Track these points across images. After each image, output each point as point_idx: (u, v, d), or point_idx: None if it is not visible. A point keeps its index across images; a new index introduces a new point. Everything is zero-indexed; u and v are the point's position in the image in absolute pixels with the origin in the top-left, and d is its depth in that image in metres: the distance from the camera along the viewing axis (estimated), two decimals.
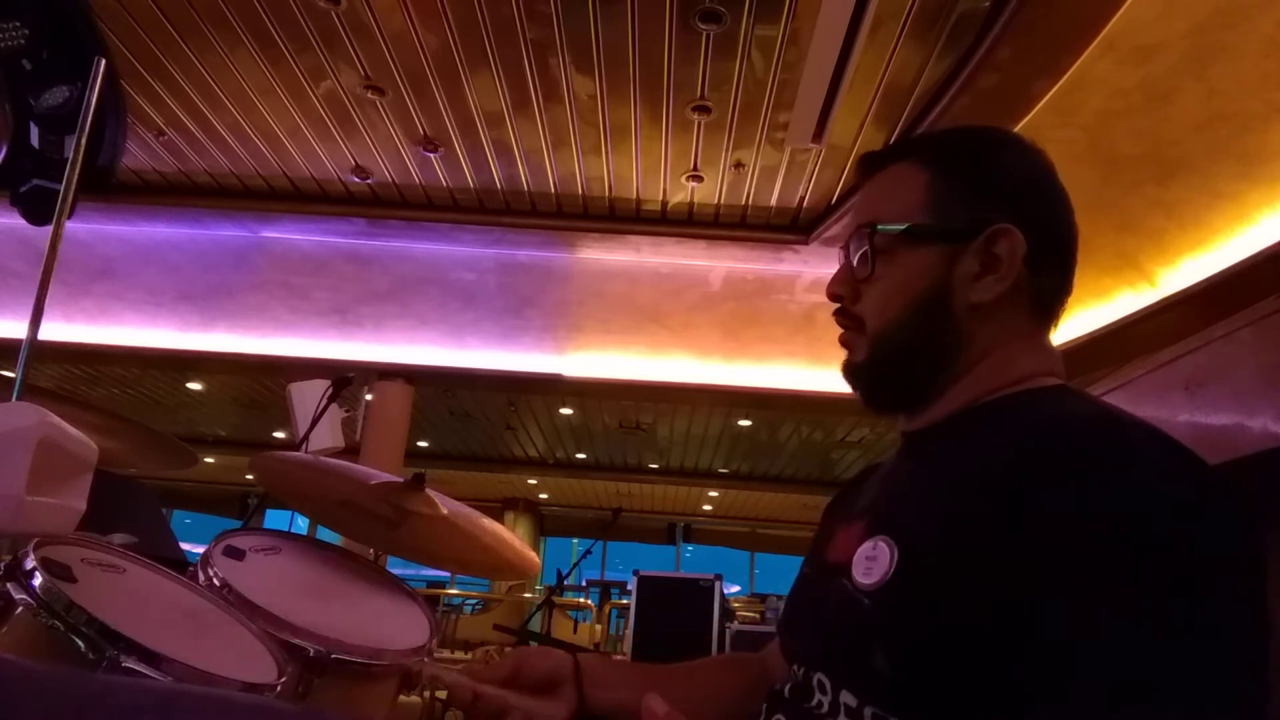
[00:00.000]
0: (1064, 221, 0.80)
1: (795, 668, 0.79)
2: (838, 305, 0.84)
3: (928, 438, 0.80)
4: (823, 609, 0.76)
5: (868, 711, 0.67)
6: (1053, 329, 0.81)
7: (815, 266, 5.58)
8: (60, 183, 1.42)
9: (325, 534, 2.04)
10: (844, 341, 0.84)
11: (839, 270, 0.85)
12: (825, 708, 0.71)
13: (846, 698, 0.69)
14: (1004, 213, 0.76)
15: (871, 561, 0.70)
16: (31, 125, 2.58)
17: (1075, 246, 0.81)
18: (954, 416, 0.78)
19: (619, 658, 5.30)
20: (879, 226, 0.79)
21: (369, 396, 6.21)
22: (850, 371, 0.83)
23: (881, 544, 0.71)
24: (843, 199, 4.83)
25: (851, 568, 0.72)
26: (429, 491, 1.50)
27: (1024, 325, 0.78)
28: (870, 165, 0.86)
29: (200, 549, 1.32)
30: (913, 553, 0.68)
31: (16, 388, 1.26)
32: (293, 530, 1.86)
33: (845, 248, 0.85)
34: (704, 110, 4.18)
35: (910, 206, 0.79)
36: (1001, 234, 0.75)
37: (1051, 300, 0.79)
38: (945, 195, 0.78)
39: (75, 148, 1.42)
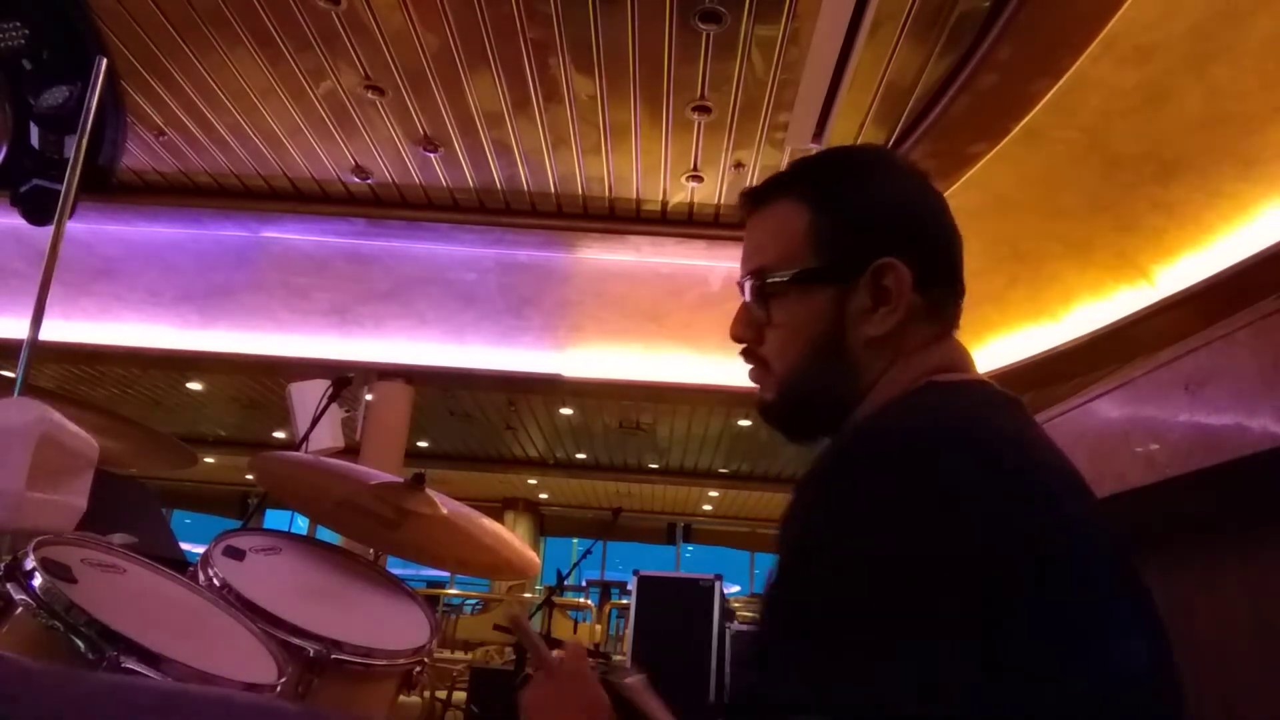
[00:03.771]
0: (945, 238, 0.80)
1: None
2: (743, 346, 0.86)
3: None
4: None
5: None
6: (955, 328, 0.81)
7: None
8: (60, 183, 1.42)
9: (325, 534, 2.04)
10: (753, 378, 0.86)
11: (739, 312, 0.86)
12: None
13: None
14: (886, 244, 0.77)
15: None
16: (31, 125, 2.58)
17: (959, 255, 0.81)
18: None
19: (619, 657, 5.30)
20: (769, 274, 0.81)
21: (369, 396, 6.20)
22: (763, 410, 0.84)
23: None
24: None
25: None
26: (429, 491, 1.50)
27: (921, 340, 0.78)
28: (754, 202, 0.85)
29: (200, 549, 1.32)
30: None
31: (17, 387, 1.26)
32: (293, 530, 1.85)
33: (742, 290, 0.85)
34: (704, 110, 4.17)
35: (796, 249, 0.79)
36: (888, 268, 0.76)
37: (946, 308, 0.79)
38: (829, 235, 0.78)
39: (75, 148, 1.43)
